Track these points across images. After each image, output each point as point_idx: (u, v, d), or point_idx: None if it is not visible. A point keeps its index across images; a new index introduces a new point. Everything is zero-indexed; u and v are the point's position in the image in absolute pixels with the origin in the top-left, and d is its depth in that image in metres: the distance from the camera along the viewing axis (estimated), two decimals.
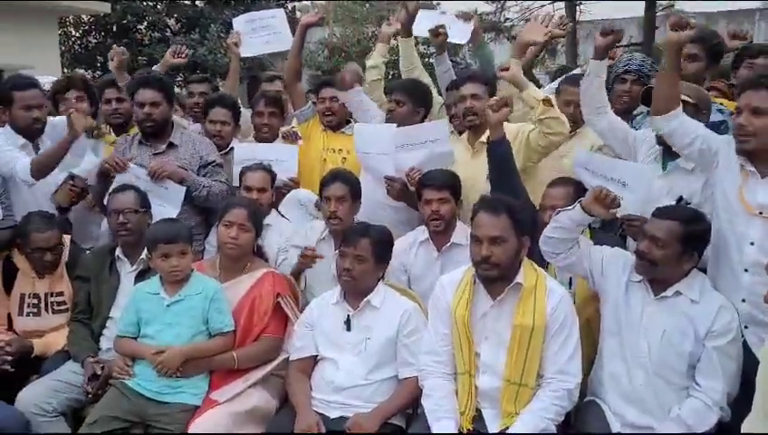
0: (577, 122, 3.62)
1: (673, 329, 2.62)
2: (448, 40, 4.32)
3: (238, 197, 3.46)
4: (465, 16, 4.50)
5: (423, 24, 4.32)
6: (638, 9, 12.11)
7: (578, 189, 3.07)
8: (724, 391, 2.56)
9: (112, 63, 4.33)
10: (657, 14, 12.35)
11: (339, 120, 4.20)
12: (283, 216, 3.72)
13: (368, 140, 3.65)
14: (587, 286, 2.94)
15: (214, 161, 3.78)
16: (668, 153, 3.11)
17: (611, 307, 2.76)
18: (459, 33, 4.46)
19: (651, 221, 2.68)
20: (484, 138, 3.51)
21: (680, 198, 2.93)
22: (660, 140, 3.10)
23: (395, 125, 3.69)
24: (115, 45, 4.51)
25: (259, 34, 4.53)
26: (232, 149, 4.03)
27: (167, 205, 3.54)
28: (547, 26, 3.68)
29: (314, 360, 2.97)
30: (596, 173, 2.95)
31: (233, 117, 4.17)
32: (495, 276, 2.65)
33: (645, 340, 2.66)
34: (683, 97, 2.95)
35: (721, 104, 3.42)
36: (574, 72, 4.39)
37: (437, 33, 4.27)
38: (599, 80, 3.23)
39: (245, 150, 3.90)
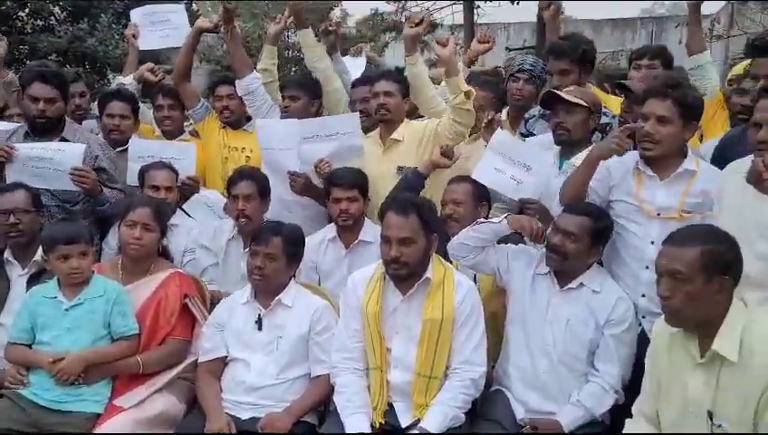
0: (477, 125, 3.75)
1: (576, 319, 2.78)
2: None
3: (141, 196, 3.34)
4: (356, 51, 4.60)
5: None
6: (533, 14, 12.62)
7: (477, 186, 3.23)
8: (619, 374, 2.73)
9: None
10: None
11: (237, 118, 4.14)
12: (189, 215, 3.63)
13: (270, 136, 3.61)
14: (491, 281, 3.06)
15: (105, 169, 3.61)
16: (564, 152, 3.28)
17: (517, 300, 2.89)
18: (355, 69, 4.64)
19: (563, 217, 2.81)
20: (395, 134, 3.58)
21: None
22: (558, 141, 3.26)
23: (296, 120, 3.67)
24: None
25: (158, 28, 4.41)
26: None
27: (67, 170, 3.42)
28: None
29: (224, 361, 2.92)
30: (505, 155, 3.15)
31: (132, 111, 4.03)
32: (404, 275, 2.70)
33: (550, 330, 2.80)
34: (576, 100, 3.13)
35: (605, 107, 3.64)
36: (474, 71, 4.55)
37: (328, 32, 4.40)
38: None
39: (141, 146, 3.78)
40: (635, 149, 2.84)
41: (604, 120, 3.44)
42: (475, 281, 3.16)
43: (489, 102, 3.84)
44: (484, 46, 4.38)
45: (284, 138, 3.54)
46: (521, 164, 3.15)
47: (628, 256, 2.87)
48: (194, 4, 18.74)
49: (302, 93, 3.87)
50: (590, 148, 3.06)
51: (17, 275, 3.17)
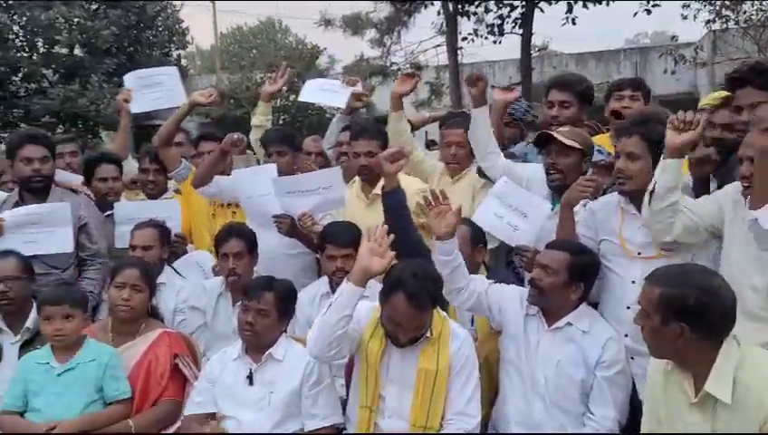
0: (461, 163, 3.80)
1: (566, 359, 2.77)
2: (326, 103, 4.47)
3: (129, 257, 3.36)
4: (350, 82, 4.63)
5: (309, 89, 4.57)
6: (516, 51, 12.85)
7: (473, 230, 3.22)
8: (615, 418, 2.72)
9: None
10: (533, 56, 13.15)
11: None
12: (178, 273, 3.65)
13: (248, 184, 3.64)
14: (487, 324, 3.06)
15: (87, 230, 3.65)
16: (558, 193, 3.26)
17: (511, 341, 2.88)
18: (338, 98, 4.56)
19: (543, 252, 2.85)
20: (377, 189, 3.59)
21: None
22: (551, 184, 3.25)
23: (274, 165, 3.70)
24: None
25: (151, 90, 4.47)
26: None
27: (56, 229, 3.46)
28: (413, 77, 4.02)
29: (212, 418, 2.87)
30: (503, 202, 3.16)
31: (120, 172, 4.09)
32: (406, 344, 2.69)
33: (541, 370, 2.79)
34: (570, 143, 3.13)
35: (599, 145, 3.68)
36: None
37: (360, 98, 4.43)
38: (483, 125, 3.43)
39: (126, 209, 3.82)
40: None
41: (599, 157, 3.45)
42: (472, 323, 3.19)
43: (463, 139, 3.77)
44: (513, 95, 3.99)
45: (261, 184, 3.56)
46: (518, 211, 3.15)
47: (610, 296, 2.89)
48: (175, 53, 19.09)
49: (288, 148, 3.89)
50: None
51: (9, 342, 3.16)
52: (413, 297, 2.55)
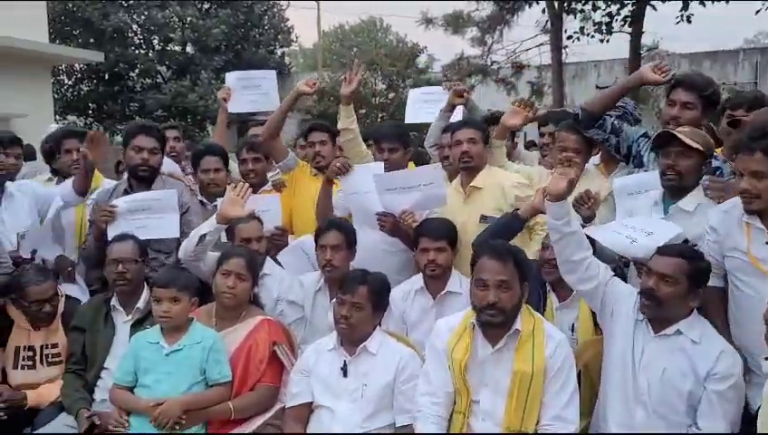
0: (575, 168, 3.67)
1: (673, 368, 2.63)
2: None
3: (236, 246, 3.49)
4: (451, 87, 4.61)
5: (413, 106, 4.62)
6: (624, 50, 12.39)
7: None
8: (725, 432, 2.56)
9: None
10: (642, 55, 12.62)
11: (328, 163, 4.24)
12: (279, 263, 3.75)
13: (354, 181, 3.69)
14: (589, 332, 2.99)
15: (189, 208, 3.84)
16: (669, 195, 3.11)
17: (617, 344, 2.77)
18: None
19: (656, 259, 2.68)
20: (476, 182, 3.58)
21: (685, 241, 2.90)
22: (666, 185, 3.08)
23: (381, 163, 3.75)
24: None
25: (248, 92, 4.65)
26: None
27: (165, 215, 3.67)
28: (525, 109, 3.84)
29: (310, 407, 2.95)
30: (628, 225, 3.01)
31: (224, 163, 4.25)
32: (499, 322, 2.66)
33: (644, 377, 2.67)
34: (692, 144, 2.98)
35: (716, 151, 3.46)
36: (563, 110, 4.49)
37: (461, 94, 4.36)
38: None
39: None
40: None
41: (715, 163, 3.25)
42: (572, 331, 3.10)
43: (578, 144, 3.61)
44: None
45: (367, 181, 3.61)
46: (642, 231, 2.95)
47: (744, 317, 2.70)
48: (279, 51, 19.60)
49: (400, 145, 3.91)
50: (699, 190, 2.98)
51: (122, 321, 3.35)
52: (491, 246, 2.76)
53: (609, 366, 2.80)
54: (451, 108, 4.40)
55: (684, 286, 2.62)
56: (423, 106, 4.62)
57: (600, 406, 2.82)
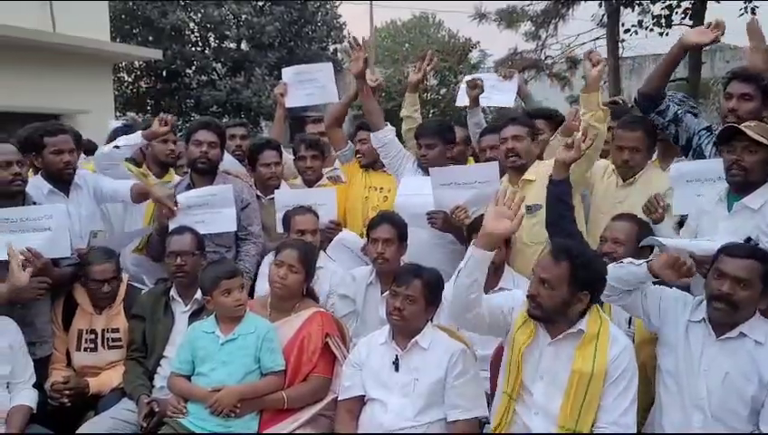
0: (633, 168, 3.59)
1: (737, 372, 2.55)
2: (492, 105, 4.47)
3: (292, 238, 3.55)
4: (508, 74, 4.58)
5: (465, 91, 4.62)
6: None
7: (642, 228, 3.07)
8: None
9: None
10: (704, 49, 12.22)
11: (368, 160, 4.35)
12: (331, 258, 3.80)
13: (411, 188, 3.77)
14: (645, 328, 2.90)
15: (249, 204, 3.95)
16: (734, 192, 3.02)
17: (670, 349, 2.71)
18: (503, 96, 4.63)
19: (727, 262, 2.55)
20: (527, 175, 3.55)
21: (748, 239, 2.81)
22: (731, 181, 2.99)
23: (434, 166, 3.74)
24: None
25: (305, 86, 4.72)
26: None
27: (222, 210, 3.75)
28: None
29: (362, 401, 2.97)
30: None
31: (281, 157, 4.35)
32: (537, 317, 2.64)
33: (704, 382, 2.60)
34: (759, 138, 2.88)
35: None
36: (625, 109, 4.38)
37: (474, 85, 4.44)
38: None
39: (286, 197, 4.03)
40: None
41: None
42: (629, 324, 3.05)
43: (636, 142, 3.57)
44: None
45: (413, 184, 3.70)
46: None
47: None
48: (332, 47, 19.75)
49: (438, 141, 3.92)
50: (766, 187, 2.89)
51: (180, 311, 3.45)
52: (554, 246, 2.66)
53: (662, 371, 2.73)
54: (475, 104, 4.49)
55: (759, 289, 2.53)
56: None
57: (655, 410, 2.75)
